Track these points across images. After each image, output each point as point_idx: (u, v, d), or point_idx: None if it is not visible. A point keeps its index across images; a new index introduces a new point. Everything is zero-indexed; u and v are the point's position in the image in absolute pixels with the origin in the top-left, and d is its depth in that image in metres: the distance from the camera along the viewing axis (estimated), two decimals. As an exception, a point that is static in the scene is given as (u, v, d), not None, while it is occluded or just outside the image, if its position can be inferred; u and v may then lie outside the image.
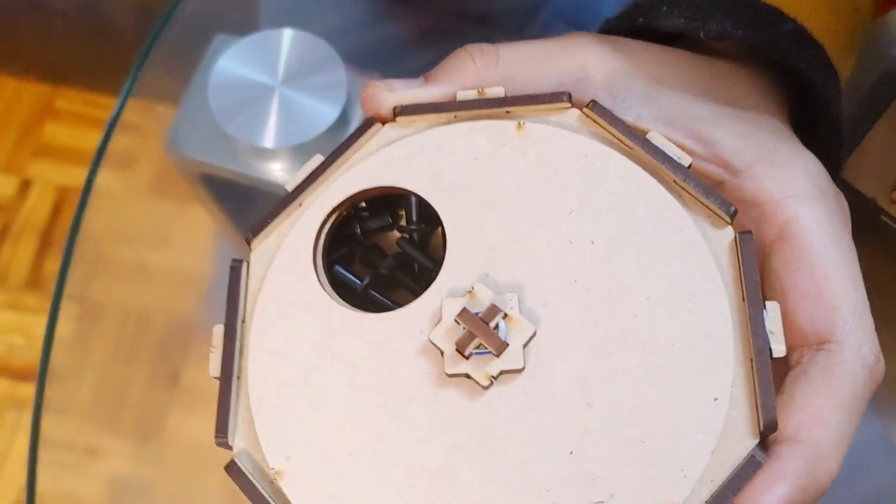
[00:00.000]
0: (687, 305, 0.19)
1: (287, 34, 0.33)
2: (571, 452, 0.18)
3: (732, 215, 0.20)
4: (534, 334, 0.19)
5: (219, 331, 0.22)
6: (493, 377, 0.19)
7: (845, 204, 0.24)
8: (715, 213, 0.20)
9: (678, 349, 0.19)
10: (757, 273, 0.20)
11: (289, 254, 0.21)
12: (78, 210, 0.60)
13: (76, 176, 1.11)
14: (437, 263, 0.21)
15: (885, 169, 0.28)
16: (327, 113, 0.31)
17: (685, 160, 0.21)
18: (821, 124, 0.26)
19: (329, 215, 0.22)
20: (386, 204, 0.23)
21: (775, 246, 0.22)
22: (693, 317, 0.19)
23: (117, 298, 1.05)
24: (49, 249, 1.08)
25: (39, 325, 1.03)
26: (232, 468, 0.20)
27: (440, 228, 0.21)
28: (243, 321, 0.21)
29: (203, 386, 0.41)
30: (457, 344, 0.19)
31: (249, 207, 0.40)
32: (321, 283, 0.21)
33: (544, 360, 0.19)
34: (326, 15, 0.51)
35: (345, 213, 0.22)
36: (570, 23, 0.54)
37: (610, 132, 0.21)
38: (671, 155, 0.21)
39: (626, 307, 0.19)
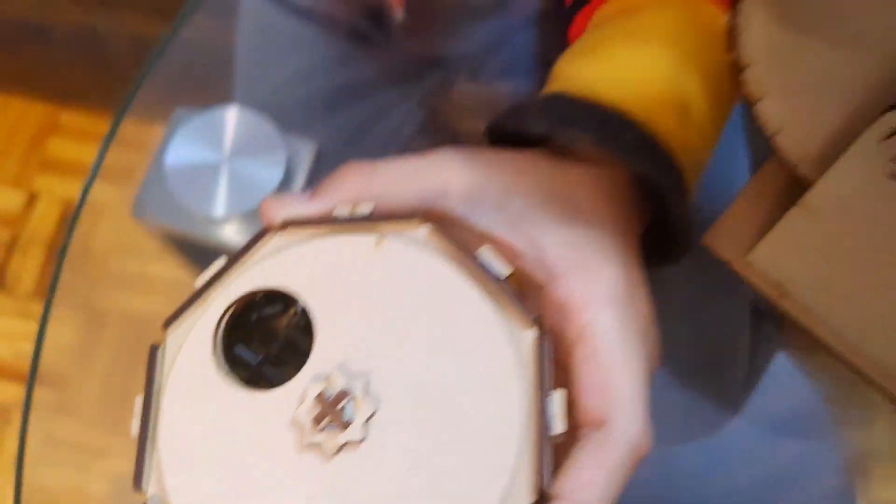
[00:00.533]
0: (492, 393, 0.25)
1: (232, 112, 0.38)
2: None
3: (535, 320, 0.26)
4: (373, 413, 0.26)
5: (139, 400, 0.28)
6: (339, 447, 0.26)
7: (643, 305, 0.29)
8: (523, 318, 0.26)
9: (481, 427, 0.25)
10: (549, 367, 0.25)
11: (195, 341, 0.28)
12: (71, 222, 0.65)
13: (81, 189, 1.17)
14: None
15: (742, 235, 0.33)
16: (270, 181, 0.37)
17: (504, 273, 0.26)
18: (670, 216, 0.31)
19: (226, 310, 0.28)
20: (279, 296, 0.29)
21: (574, 344, 0.27)
22: (496, 402, 0.25)
23: (119, 307, 1.10)
24: (55, 260, 1.14)
25: (48, 331, 1.10)
26: None
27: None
28: (158, 393, 0.28)
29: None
30: (313, 420, 0.26)
31: (209, 262, 0.45)
32: (217, 367, 0.27)
33: (381, 433, 0.26)
34: (292, 59, 0.56)
35: (241, 307, 0.28)
36: (523, 65, 0.58)
37: (449, 247, 0.27)
38: (493, 269, 0.26)
39: (447, 394, 0.26)
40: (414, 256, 0.27)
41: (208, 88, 0.60)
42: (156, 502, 0.27)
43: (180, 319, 0.28)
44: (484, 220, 0.29)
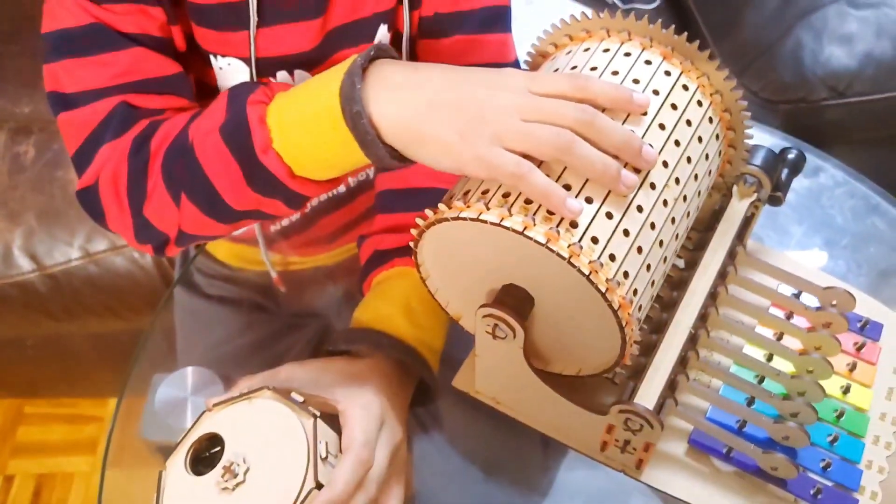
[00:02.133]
0: (295, 447, 0.56)
1: (190, 371, 0.68)
2: None
3: (313, 415, 0.57)
4: (247, 470, 0.56)
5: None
6: (234, 486, 0.56)
7: (392, 420, 0.60)
8: (308, 415, 0.57)
9: (289, 463, 0.55)
10: (320, 429, 0.57)
11: (178, 464, 0.57)
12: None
13: (49, 465, 1.38)
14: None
15: (471, 376, 0.63)
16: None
17: (300, 399, 0.57)
18: (423, 376, 0.63)
19: (189, 447, 0.58)
20: (214, 435, 0.59)
21: (343, 422, 0.58)
22: (298, 450, 0.55)
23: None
24: (35, 528, 1.33)
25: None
26: None
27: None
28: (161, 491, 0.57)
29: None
30: (222, 477, 0.56)
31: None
32: (187, 472, 0.57)
33: (250, 478, 0.56)
34: (205, 338, 0.86)
35: (198, 443, 0.58)
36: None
37: (279, 396, 0.58)
38: (296, 399, 0.57)
39: (279, 453, 0.56)
40: (267, 403, 0.58)
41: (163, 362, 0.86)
42: None
43: (171, 457, 0.58)
44: (310, 389, 0.59)
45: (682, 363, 0.58)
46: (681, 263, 0.65)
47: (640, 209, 0.52)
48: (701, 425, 0.58)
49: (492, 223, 0.50)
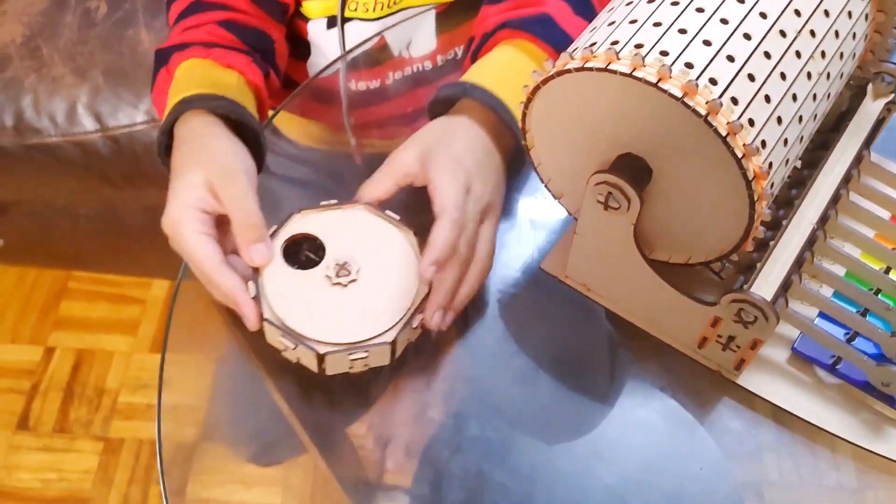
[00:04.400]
0: (395, 261, 0.56)
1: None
2: None
3: (413, 231, 0.57)
4: (358, 270, 0.55)
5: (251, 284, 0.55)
6: (348, 282, 0.55)
7: (489, 169, 0.59)
8: (408, 230, 0.57)
9: (400, 271, 0.55)
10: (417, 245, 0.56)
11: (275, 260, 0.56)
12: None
13: (89, 340, 1.38)
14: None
15: (562, 259, 0.59)
16: None
17: (397, 217, 0.58)
18: (516, 139, 0.59)
19: (286, 240, 0.57)
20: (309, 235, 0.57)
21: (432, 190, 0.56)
22: (402, 264, 0.56)
23: (132, 434, 1.28)
24: (71, 400, 1.33)
25: (68, 461, 1.28)
26: None
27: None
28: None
29: (203, 494, 0.60)
30: (336, 273, 0.55)
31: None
32: (285, 264, 0.56)
33: (361, 279, 0.55)
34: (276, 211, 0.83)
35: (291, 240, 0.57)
36: None
37: (378, 212, 0.57)
38: (392, 215, 0.57)
39: (386, 263, 0.56)
40: (362, 214, 0.58)
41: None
42: (272, 320, 0.53)
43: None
44: (400, 160, 0.58)
45: (797, 263, 0.54)
46: (797, 163, 0.60)
47: (783, 76, 0.47)
48: (811, 331, 0.54)
49: (622, 73, 0.45)
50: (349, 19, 0.79)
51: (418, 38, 0.81)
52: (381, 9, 0.79)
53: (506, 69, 0.63)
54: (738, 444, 0.55)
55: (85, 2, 1.02)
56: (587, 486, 0.54)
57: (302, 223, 0.57)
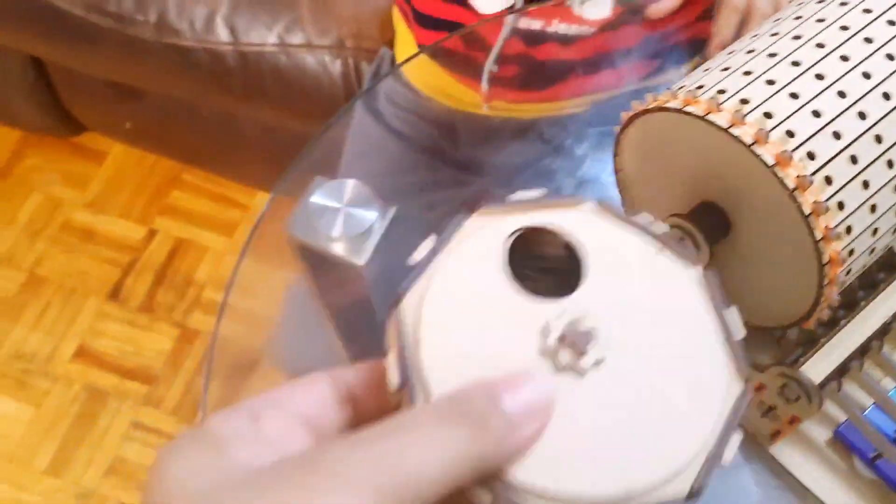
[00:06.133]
0: (688, 313, 0.31)
1: (349, 183, 0.64)
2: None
3: (696, 264, 0.31)
4: (602, 359, 0.28)
5: (391, 356, 0.29)
6: (573, 367, 0.28)
7: None
8: (692, 253, 0.33)
9: (681, 332, 0.30)
10: (721, 298, 0.31)
11: (453, 273, 0.30)
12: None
13: (190, 232, 1.45)
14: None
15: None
16: (366, 221, 0.62)
17: (664, 228, 0.32)
18: None
19: (514, 232, 0.31)
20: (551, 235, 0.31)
21: None
22: (696, 320, 0.30)
23: (207, 328, 1.35)
24: (161, 283, 1.40)
25: (146, 339, 1.36)
26: None
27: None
28: (412, 343, 0.29)
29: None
30: (559, 338, 0.28)
31: (321, 270, 0.68)
32: (501, 269, 0.30)
33: (605, 375, 0.28)
34: (371, 163, 0.83)
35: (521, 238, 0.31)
36: (543, 182, 0.82)
37: (623, 219, 0.32)
38: (642, 220, 0.32)
39: (661, 356, 0.29)
40: (597, 223, 0.32)
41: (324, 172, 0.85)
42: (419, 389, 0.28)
43: (411, 291, 0.30)
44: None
45: (862, 351, 0.52)
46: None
47: (890, 164, 0.45)
48: (858, 421, 0.52)
49: (719, 127, 0.44)
50: None
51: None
52: None
53: None
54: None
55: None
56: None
57: (484, 236, 0.31)
